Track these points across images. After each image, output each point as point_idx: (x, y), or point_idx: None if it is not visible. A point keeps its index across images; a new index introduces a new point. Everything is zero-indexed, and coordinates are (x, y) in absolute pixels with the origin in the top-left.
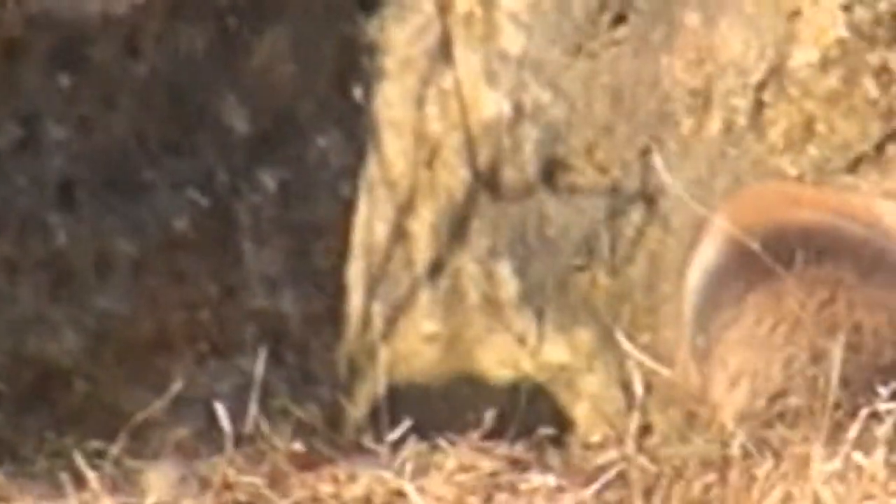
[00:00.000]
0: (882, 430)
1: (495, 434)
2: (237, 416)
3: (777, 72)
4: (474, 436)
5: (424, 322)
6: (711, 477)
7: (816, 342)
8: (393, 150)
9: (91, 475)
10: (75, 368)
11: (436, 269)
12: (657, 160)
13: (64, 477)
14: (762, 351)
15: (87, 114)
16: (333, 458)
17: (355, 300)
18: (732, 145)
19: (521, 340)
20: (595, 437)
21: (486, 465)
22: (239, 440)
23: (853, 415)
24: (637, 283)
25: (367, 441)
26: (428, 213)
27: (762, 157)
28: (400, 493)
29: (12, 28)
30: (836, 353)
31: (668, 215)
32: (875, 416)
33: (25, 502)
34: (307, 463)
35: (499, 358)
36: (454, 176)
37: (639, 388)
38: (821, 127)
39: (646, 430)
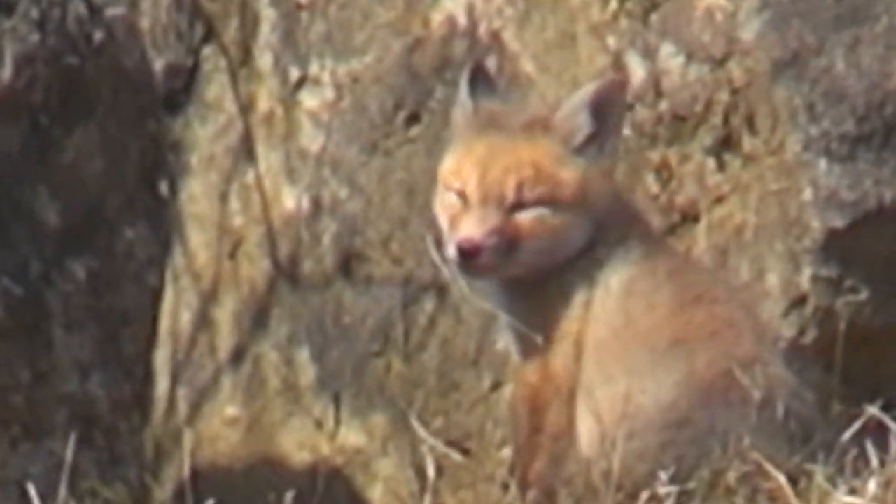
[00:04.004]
0: None
1: None
2: (48, 496)
3: None
4: None
5: (227, 406)
6: None
7: None
8: (197, 242)
9: None
10: None
11: (238, 355)
12: (434, 254)
13: None
14: None
15: None
16: None
17: (161, 385)
18: None
19: (319, 424)
20: None
21: None
22: None
23: (634, 497)
24: (430, 370)
25: None
26: (230, 302)
27: None
28: None
29: None
30: (620, 436)
31: (458, 305)
32: (655, 499)
33: None
34: None
35: (298, 441)
36: (256, 267)
37: (431, 471)
38: None
39: None
